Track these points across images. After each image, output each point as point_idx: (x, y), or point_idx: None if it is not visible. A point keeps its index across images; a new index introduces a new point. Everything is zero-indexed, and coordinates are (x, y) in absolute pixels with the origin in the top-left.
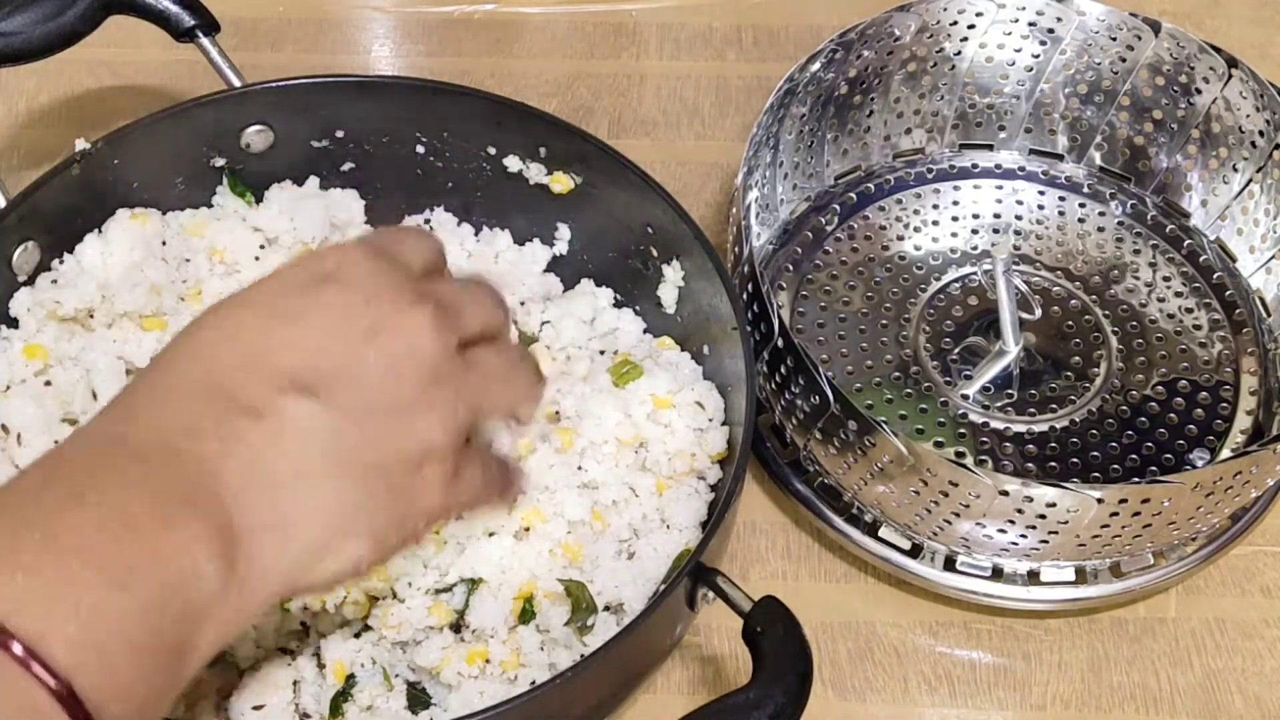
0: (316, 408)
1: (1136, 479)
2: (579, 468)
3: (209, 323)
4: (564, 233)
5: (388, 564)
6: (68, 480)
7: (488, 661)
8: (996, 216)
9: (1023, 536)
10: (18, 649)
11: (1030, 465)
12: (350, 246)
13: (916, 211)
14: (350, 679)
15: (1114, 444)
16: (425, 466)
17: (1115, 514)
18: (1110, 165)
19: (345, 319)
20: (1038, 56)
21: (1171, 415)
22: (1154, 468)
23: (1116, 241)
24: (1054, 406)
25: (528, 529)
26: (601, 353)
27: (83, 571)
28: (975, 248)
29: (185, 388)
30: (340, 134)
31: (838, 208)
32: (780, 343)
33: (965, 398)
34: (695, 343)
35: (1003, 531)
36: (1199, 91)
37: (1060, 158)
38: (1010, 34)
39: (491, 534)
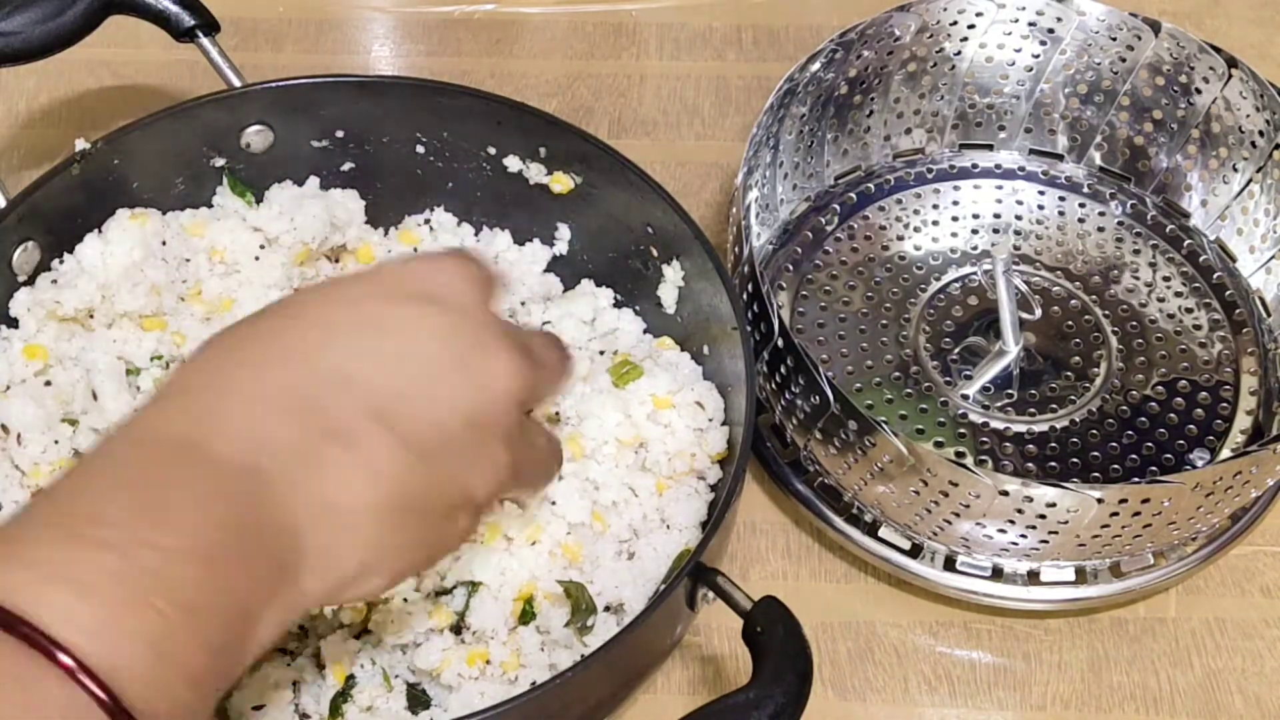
0: (393, 444)
1: (1136, 479)
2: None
3: (303, 318)
4: (564, 233)
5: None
6: (141, 488)
7: (488, 662)
8: (996, 216)
9: (1023, 536)
10: (91, 685)
11: (1030, 465)
12: (454, 264)
13: (916, 211)
14: (350, 679)
15: (1114, 444)
16: (460, 514)
17: (1115, 514)
18: (1110, 165)
19: (441, 346)
20: (1038, 56)
21: (1171, 415)
22: (1154, 468)
23: (1116, 241)
24: (1054, 406)
25: (533, 543)
26: (601, 353)
27: (157, 603)
28: (975, 248)
29: (272, 398)
30: (340, 134)
31: (838, 208)
32: (780, 343)
33: (965, 398)
34: (695, 343)
35: (1003, 531)
36: (1199, 91)
37: (1060, 158)
38: (1010, 34)
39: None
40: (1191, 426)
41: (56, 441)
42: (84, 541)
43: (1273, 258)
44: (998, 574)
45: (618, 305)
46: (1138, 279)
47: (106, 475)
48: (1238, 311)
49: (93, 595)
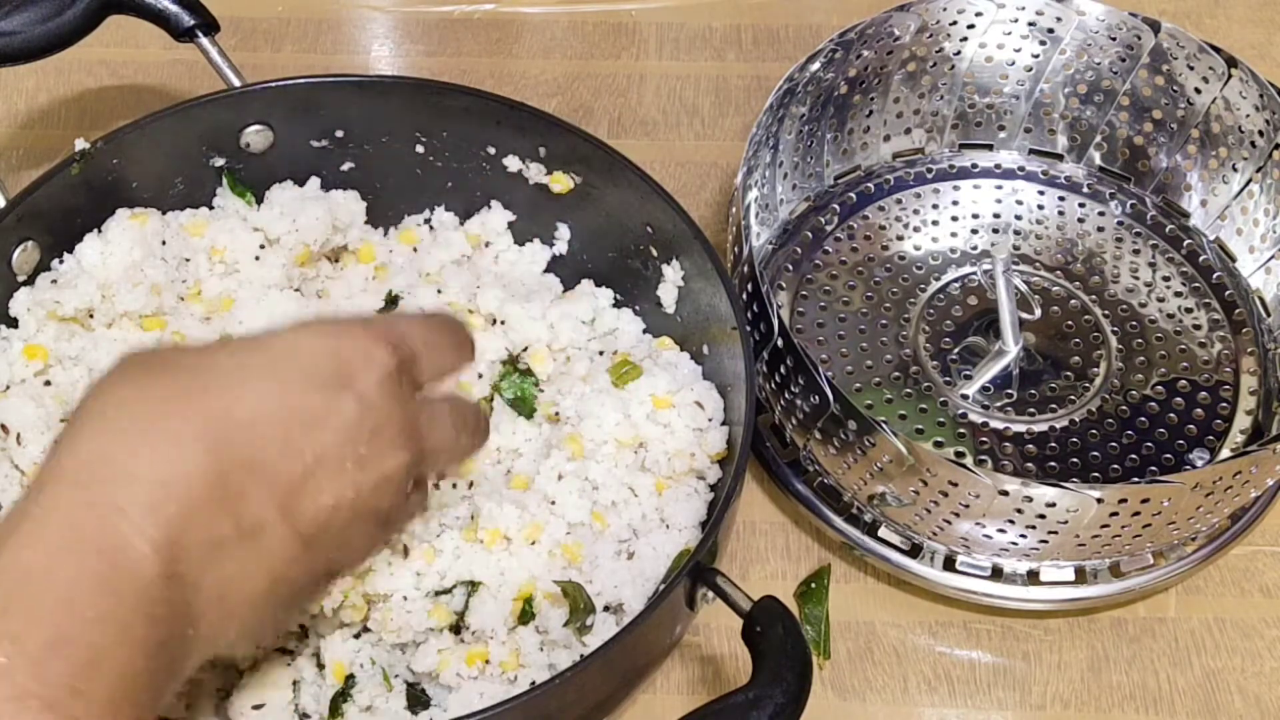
0: (289, 537)
1: (1136, 479)
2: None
3: (217, 388)
4: (564, 233)
5: (379, 576)
6: (57, 622)
7: (487, 662)
8: (996, 216)
9: (1022, 536)
10: None
11: (1030, 465)
12: (370, 343)
13: (916, 211)
14: (350, 679)
15: (1114, 444)
16: (324, 582)
17: (1115, 514)
18: (1110, 165)
19: (343, 440)
20: (1037, 56)
21: (1171, 415)
22: (1154, 468)
23: (1116, 241)
24: (1054, 406)
25: (533, 543)
26: (601, 353)
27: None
28: (975, 248)
29: (193, 478)
30: (340, 134)
31: (837, 208)
32: (780, 343)
33: (965, 398)
34: (695, 343)
35: (1002, 531)
36: (1199, 91)
37: (1060, 157)
38: (1010, 34)
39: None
40: (1191, 426)
41: (56, 442)
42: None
43: (1272, 258)
44: (997, 574)
45: (617, 305)
46: (1137, 279)
47: (21, 598)
48: (1237, 311)
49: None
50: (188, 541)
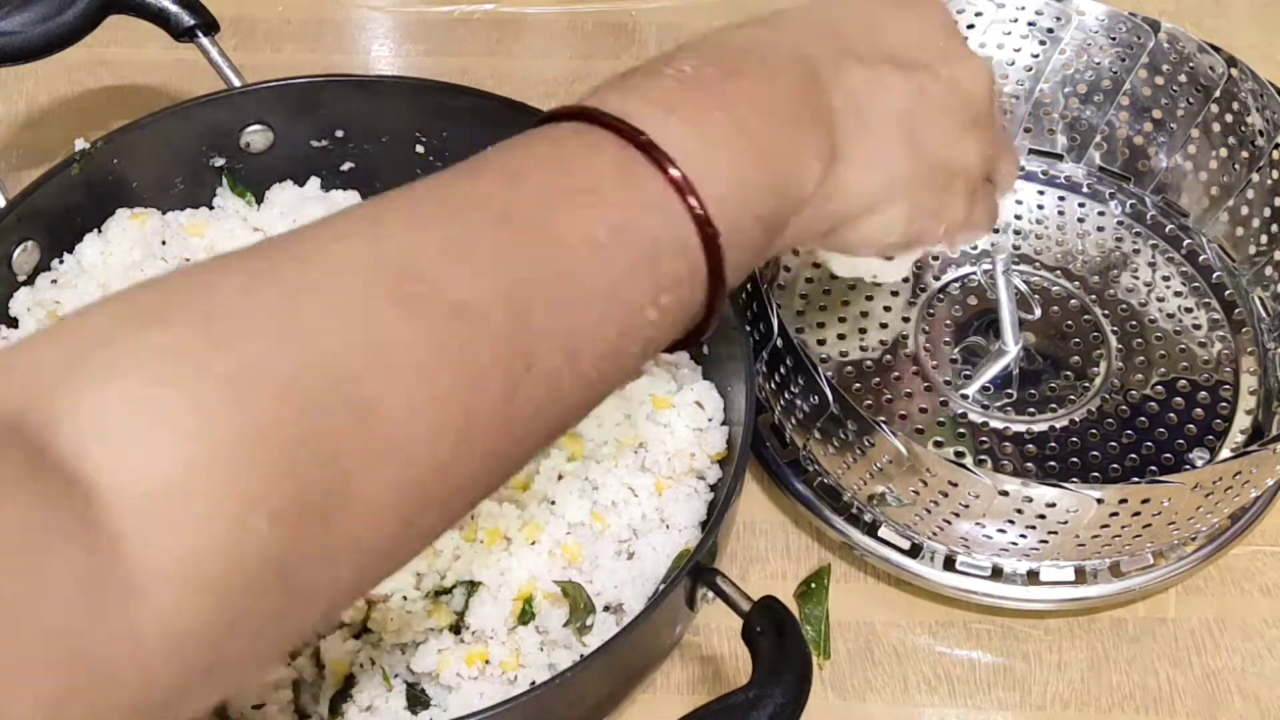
0: (907, 80)
1: (1136, 479)
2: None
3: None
4: None
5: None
6: (721, 62)
7: (487, 662)
8: None
9: (1022, 536)
10: (678, 176)
11: (1030, 465)
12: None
13: None
14: (350, 679)
15: (1114, 444)
16: (958, 180)
17: (1115, 514)
18: (1110, 165)
19: (936, 33)
20: (1037, 56)
21: (1171, 415)
22: (1154, 468)
23: (1116, 241)
24: (1054, 406)
25: (533, 543)
26: None
27: (737, 140)
28: (975, 248)
29: (808, 27)
30: (340, 134)
31: None
32: (780, 343)
33: (965, 398)
34: None
35: (1002, 531)
36: (1199, 91)
37: (1060, 157)
38: (1009, 34)
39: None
40: (1191, 426)
41: None
42: (674, 85)
43: (1272, 258)
44: (997, 574)
45: None
46: (1137, 279)
47: (697, 55)
48: (1237, 311)
49: (689, 124)
50: (811, 52)
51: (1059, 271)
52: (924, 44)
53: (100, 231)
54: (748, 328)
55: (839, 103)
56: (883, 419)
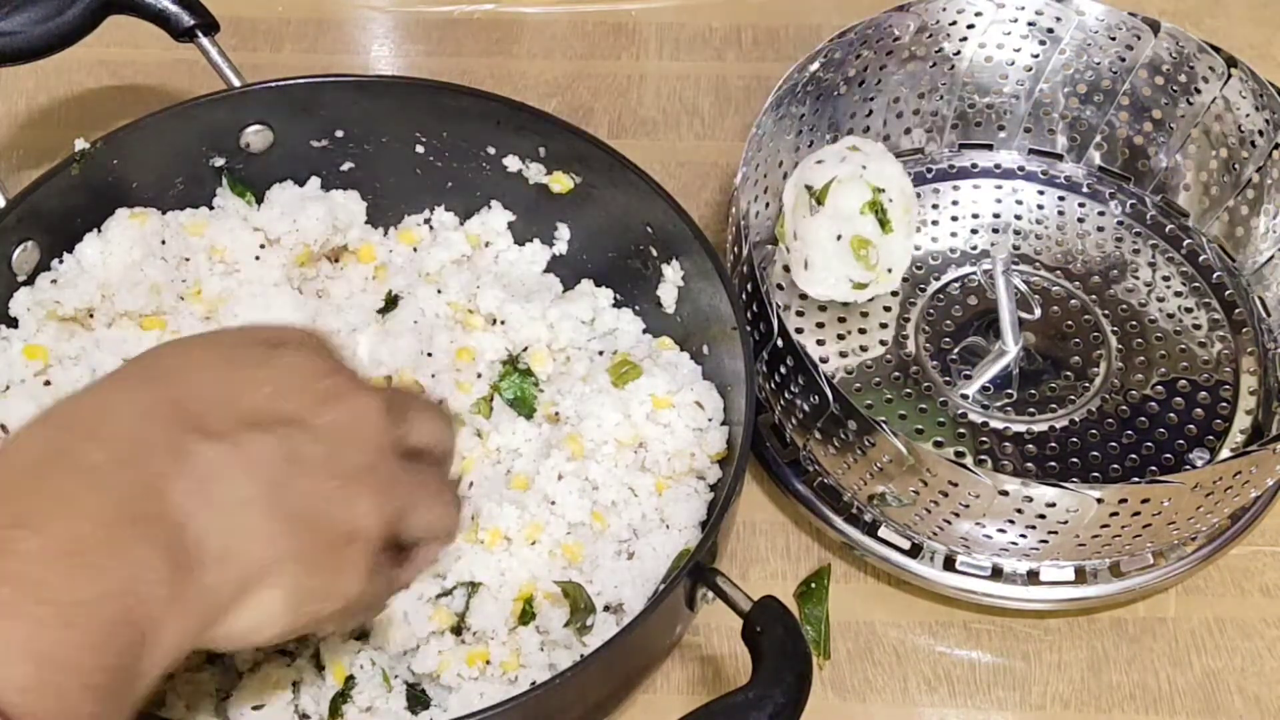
0: (272, 442)
1: (1136, 479)
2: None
3: (169, 353)
4: (564, 233)
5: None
6: (13, 501)
7: (487, 663)
8: (996, 216)
9: (1022, 536)
10: None
11: (1030, 465)
12: (296, 330)
13: (916, 211)
14: (349, 680)
15: (1114, 444)
16: (350, 546)
17: (1115, 514)
18: (1110, 165)
19: (307, 378)
20: (1037, 56)
21: (1171, 415)
22: (1154, 468)
23: (1116, 241)
24: (1054, 406)
25: (533, 543)
26: (601, 353)
27: (35, 609)
28: (975, 248)
29: (143, 405)
30: (340, 134)
31: None
32: (780, 343)
33: (965, 398)
34: (695, 343)
35: (1002, 531)
36: (1199, 91)
37: (1060, 157)
38: (1009, 34)
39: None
40: (1191, 426)
41: None
42: None
43: (1272, 258)
44: (997, 574)
45: (617, 305)
46: (1137, 279)
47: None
48: (1237, 311)
49: None
50: (144, 442)
51: (1059, 271)
52: (297, 391)
53: (100, 231)
54: (747, 328)
55: (181, 496)
56: (883, 419)
